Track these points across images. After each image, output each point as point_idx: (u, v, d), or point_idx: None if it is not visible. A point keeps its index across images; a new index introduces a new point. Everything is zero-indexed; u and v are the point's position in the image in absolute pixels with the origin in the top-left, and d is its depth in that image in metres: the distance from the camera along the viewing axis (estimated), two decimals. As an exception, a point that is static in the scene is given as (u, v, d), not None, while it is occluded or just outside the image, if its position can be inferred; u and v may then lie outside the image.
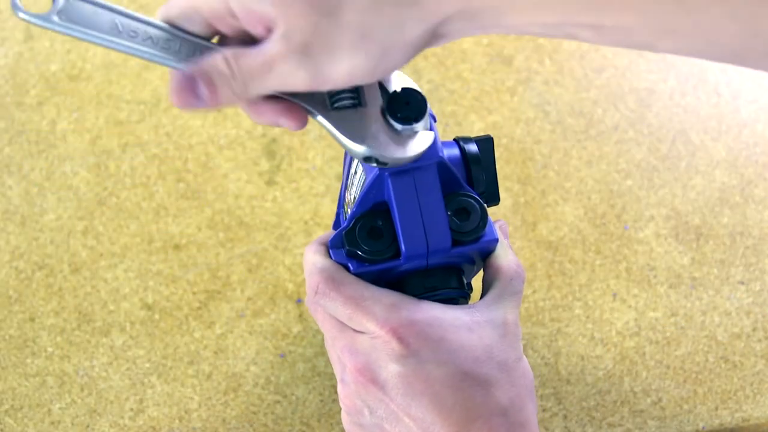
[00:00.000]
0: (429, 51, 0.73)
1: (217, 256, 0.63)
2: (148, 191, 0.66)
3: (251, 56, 0.36)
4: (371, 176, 0.40)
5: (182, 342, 0.60)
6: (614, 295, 0.61)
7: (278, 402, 0.58)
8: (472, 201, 0.40)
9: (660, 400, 0.57)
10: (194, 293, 0.62)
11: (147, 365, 0.59)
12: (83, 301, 0.61)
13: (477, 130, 0.69)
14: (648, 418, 0.57)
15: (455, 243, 0.40)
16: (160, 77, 0.72)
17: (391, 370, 0.38)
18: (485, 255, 0.43)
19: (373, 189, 0.40)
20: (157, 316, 0.61)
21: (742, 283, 0.62)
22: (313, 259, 0.42)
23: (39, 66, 0.73)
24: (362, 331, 0.40)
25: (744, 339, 0.60)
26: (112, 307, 0.61)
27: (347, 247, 0.40)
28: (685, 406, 0.57)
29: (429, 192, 0.40)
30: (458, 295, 0.42)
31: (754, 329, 0.60)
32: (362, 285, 0.40)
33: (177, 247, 0.64)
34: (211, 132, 0.69)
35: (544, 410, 0.57)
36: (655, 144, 0.68)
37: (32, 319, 0.61)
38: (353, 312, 0.39)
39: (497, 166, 0.66)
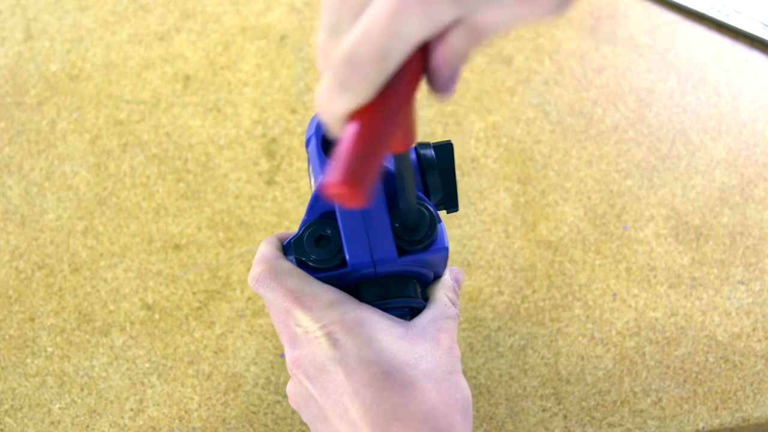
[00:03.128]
0: (429, 51, 0.73)
1: (217, 256, 0.63)
2: (148, 191, 0.66)
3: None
4: (318, 185, 0.40)
5: (182, 342, 0.60)
6: (614, 295, 0.61)
7: (278, 402, 0.58)
8: (422, 209, 0.40)
9: (660, 400, 0.57)
10: (194, 293, 0.62)
11: (147, 365, 0.59)
12: (83, 301, 0.61)
13: (477, 130, 0.69)
14: (648, 418, 0.57)
15: (403, 252, 0.40)
16: (160, 77, 0.72)
17: (318, 364, 0.39)
18: (443, 261, 0.43)
19: (320, 198, 0.40)
20: (157, 316, 0.61)
21: (742, 283, 0.62)
22: (263, 249, 0.42)
23: (39, 66, 0.73)
24: (296, 325, 0.40)
25: (744, 339, 0.60)
26: (112, 307, 0.61)
27: (295, 255, 0.41)
28: (685, 406, 0.57)
29: (373, 202, 0.39)
30: (410, 305, 0.42)
31: (754, 329, 0.60)
32: (304, 280, 0.40)
33: (177, 247, 0.64)
34: (211, 132, 0.69)
35: (544, 410, 0.57)
36: (655, 144, 0.68)
37: (32, 319, 0.61)
38: (291, 305, 0.40)
39: (497, 166, 0.67)
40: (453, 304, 0.43)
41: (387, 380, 0.38)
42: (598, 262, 0.62)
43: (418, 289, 0.43)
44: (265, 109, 0.70)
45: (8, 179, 0.67)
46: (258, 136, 0.69)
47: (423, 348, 0.40)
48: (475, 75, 0.72)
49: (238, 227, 0.64)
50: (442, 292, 0.43)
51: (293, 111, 0.70)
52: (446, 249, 0.41)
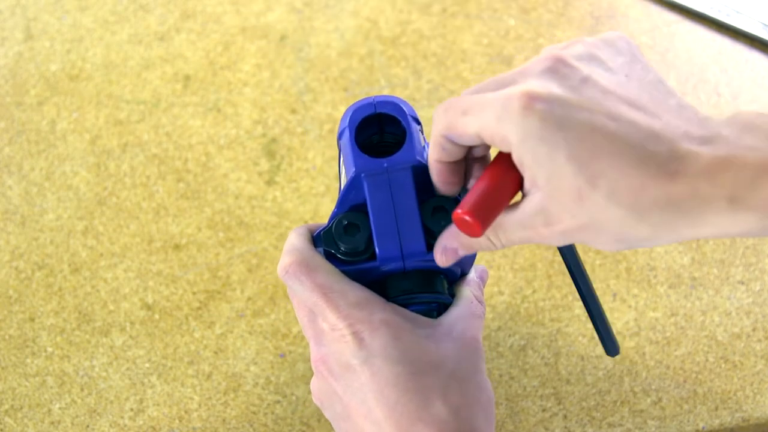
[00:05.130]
0: (429, 51, 0.73)
1: (217, 256, 0.63)
2: (148, 191, 0.66)
3: (510, 227, 0.36)
4: (349, 177, 0.40)
5: (182, 342, 0.60)
6: (614, 295, 0.61)
7: (278, 402, 0.58)
8: (453, 203, 0.40)
9: (660, 400, 0.57)
10: (194, 293, 0.62)
11: (147, 365, 0.59)
12: (83, 301, 0.61)
13: (477, 130, 0.68)
14: (648, 418, 0.57)
15: (433, 247, 0.40)
16: (160, 77, 0.72)
17: (343, 362, 0.39)
18: (472, 257, 0.43)
19: (351, 190, 0.40)
20: (157, 316, 0.61)
21: (742, 283, 0.62)
22: (294, 239, 0.42)
23: (39, 66, 0.73)
24: (324, 321, 0.40)
25: (744, 339, 0.60)
26: (112, 307, 0.61)
27: (324, 247, 0.41)
28: (685, 406, 0.57)
29: (404, 195, 0.40)
30: (437, 300, 0.42)
31: (754, 329, 0.60)
32: (334, 277, 0.40)
33: (177, 247, 0.64)
34: (211, 132, 0.69)
35: (544, 410, 0.57)
36: (655, 144, 0.68)
37: (32, 319, 0.61)
38: (318, 300, 0.40)
39: (497, 166, 0.67)
40: (479, 302, 0.43)
41: (412, 380, 0.38)
42: (598, 262, 0.62)
43: (446, 285, 0.43)
44: (265, 109, 0.70)
45: (8, 179, 0.67)
46: (258, 136, 0.69)
47: (448, 348, 0.40)
48: (475, 75, 0.72)
49: (238, 227, 0.64)
50: (469, 289, 0.43)
51: (293, 111, 0.70)
52: None
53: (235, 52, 0.73)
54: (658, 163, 0.31)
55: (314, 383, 0.42)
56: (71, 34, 0.75)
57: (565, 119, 0.32)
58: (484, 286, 0.45)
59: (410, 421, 0.37)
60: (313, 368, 0.42)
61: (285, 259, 0.41)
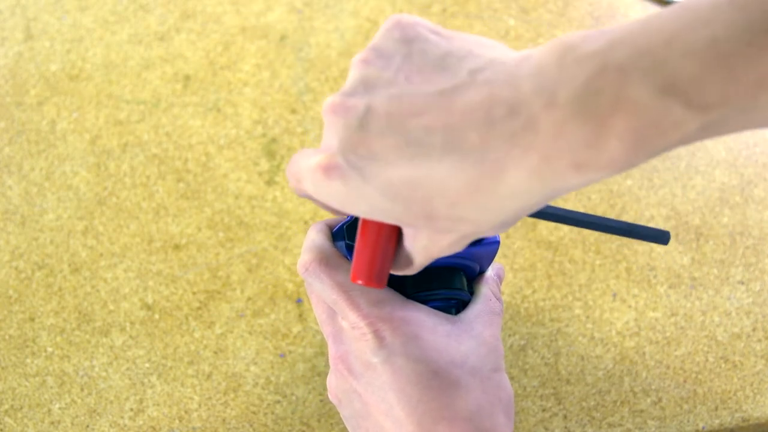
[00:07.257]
0: (429, 51, 0.73)
1: (217, 256, 0.63)
2: (148, 191, 0.66)
3: (409, 254, 0.36)
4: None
5: (182, 342, 0.60)
6: (614, 295, 0.61)
7: (278, 402, 0.58)
8: None
9: (660, 400, 0.57)
10: (194, 293, 0.62)
11: (147, 365, 0.59)
12: (83, 301, 0.61)
13: (477, 130, 0.68)
14: (648, 418, 0.57)
15: None
16: (160, 77, 0.72)
17: (363, 361, 0.39)
18: (492, 256, 0.43)
19: None
20: (157, 316, 0.61)
21: (742, 283, 0.62)
22: (314, 237, 0.42)
23: (39, 66, 0.73)
24: (343, 319, 0.40)
25: (744, 339, 0.60)
26: (112, 307, 0.61)
27: (347, 241, 0.41)
28: (685, 406, 0.57)
29: None
30: (457, 297, 0.42)
31: (754, 329, 0.60)
32: None
33: (177, 247, 0.64)
34: (211, 132, 0.69)
35: (544, 410, 0.57)
36: (655, 144, 0.68)
37: (32, 319, 0.61)
38: (338, 299, 0.40)
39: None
40: (497, 299, 0.43)
41: (434, 379, 0.38)
42: (598, 262, 0.62)
43: (465, 282, 0.43)
44: (265, 109, 0.70)
45: (8, 179, 0.67)
46: (258, 136, 0.69)
47: (469, 346, 0.40)
48: (475, 75, 0.72)
49: (238, 227, 0.64)
50: (487, 287, 0.43)
51: (293, 111, 0.70)
52: (498, 243, 0.41)
53: (235, 52, 0.73)
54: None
55: (332, 381, 0.42)
56: (71, 34, 0.75)
57: (361, 169, 0.31)
58: (501, 284, 0.45)
59: (432, 420, 0.37)
60: (331, 366, 0.41)
61: (305, 257, 0.41)
